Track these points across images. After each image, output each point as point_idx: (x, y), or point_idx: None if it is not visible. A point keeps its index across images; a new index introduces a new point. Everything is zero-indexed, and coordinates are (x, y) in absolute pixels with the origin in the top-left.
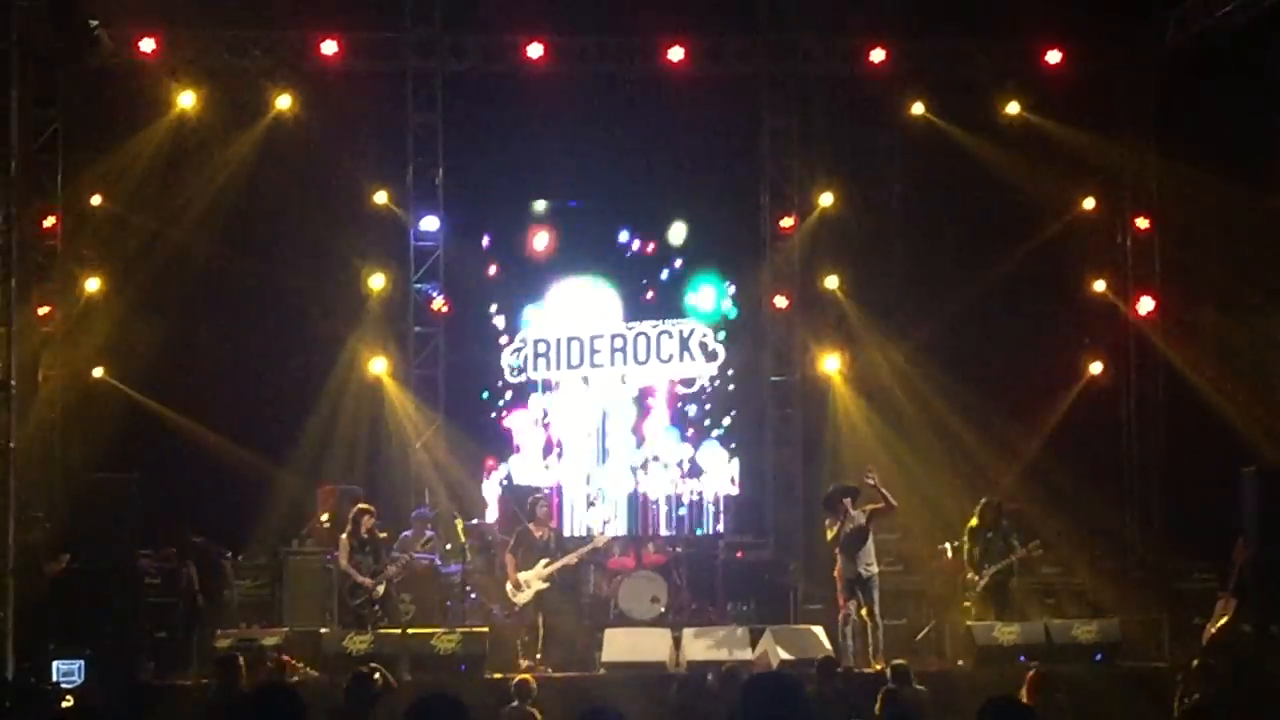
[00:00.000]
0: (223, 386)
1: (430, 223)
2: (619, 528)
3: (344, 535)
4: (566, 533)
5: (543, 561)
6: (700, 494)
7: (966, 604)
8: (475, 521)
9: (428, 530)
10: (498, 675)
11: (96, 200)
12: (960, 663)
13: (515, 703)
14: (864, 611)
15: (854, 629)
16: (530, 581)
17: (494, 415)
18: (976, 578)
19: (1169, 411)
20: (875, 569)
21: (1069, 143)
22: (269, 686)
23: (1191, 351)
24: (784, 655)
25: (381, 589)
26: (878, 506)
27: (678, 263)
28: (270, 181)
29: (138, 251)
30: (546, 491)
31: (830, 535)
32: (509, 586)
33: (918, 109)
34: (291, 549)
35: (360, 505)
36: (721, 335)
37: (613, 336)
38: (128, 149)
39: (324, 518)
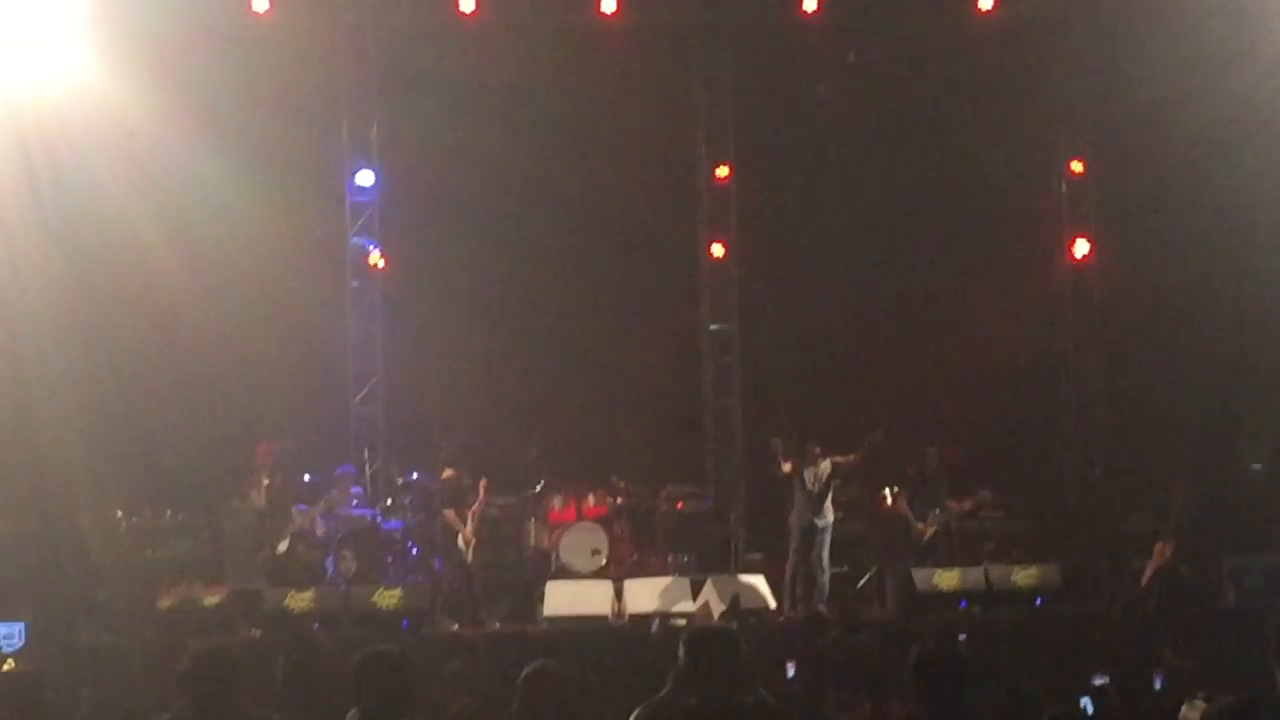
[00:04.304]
0: (156, 340)
1: (366, 177)
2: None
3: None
4: None
5: (469, 515)
6: None
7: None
8: (416, 476)
9: (353, 488)
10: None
11: None
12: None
13: None
14: (812, 557)
15: (800, 576)
16: (468, 536)
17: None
18: (922, 527)
19: (1106, 355)
20: (830, 518)
21: (1002, 87)
22: (207, 652)
23: (1129, 294)
24: (725, 606)
25: (283, 546)
26: (843, 459)
27: None
28: (205, 133)
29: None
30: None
31: (788, 470)
32: (460, 543)
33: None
34: (230, 506)
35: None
36: None
37: None
38: None
39: (264, 480)
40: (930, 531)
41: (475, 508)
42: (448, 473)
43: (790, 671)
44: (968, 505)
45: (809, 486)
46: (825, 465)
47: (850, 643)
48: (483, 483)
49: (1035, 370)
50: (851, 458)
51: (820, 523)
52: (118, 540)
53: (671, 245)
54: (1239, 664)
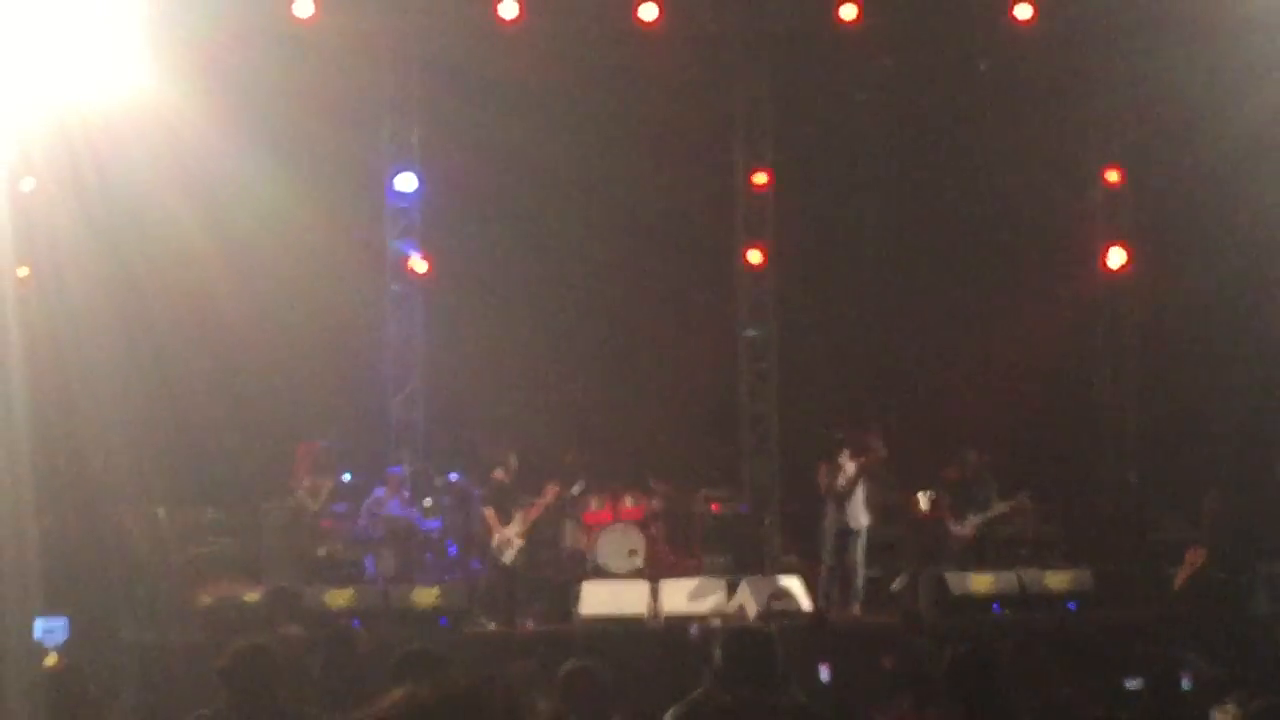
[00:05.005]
0: (198, 340)
1: (407, 181)
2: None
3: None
4: None
5: (519, 516)
6: None
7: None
8: (454, 477)
9: (404, 490)
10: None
11: None
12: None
13: None
14: (848, 560)
15: (835, 578)
16: (512, 539)
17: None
18: (961, 528)
19: (1141, 362)
20: (865, 520)
21: (1039, 96)
22: (248, 649)
23: (1164, 303)
24: (761, 607)
25: (323, 549)
26: (868, 459)
27: None
28: (249, 136)
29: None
30: None
31: (823, 484)
32: (495, 543)
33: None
34: (271, 504)
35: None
36: None
37: None
38: None
39: (305, 480)
40: (970, 532)
41: (533, 512)
42: (498, 473)
43: (824, 673)
44: (1005, 507)
45: (839, 491)
46: (850, 467)
47: (906, 646)
48: (553, 490)
49: (1070, 376)
50: (864, 459)
51: (854, 526)
52: (159, 537)
53: (709, 251)
54: (1271, 670)
